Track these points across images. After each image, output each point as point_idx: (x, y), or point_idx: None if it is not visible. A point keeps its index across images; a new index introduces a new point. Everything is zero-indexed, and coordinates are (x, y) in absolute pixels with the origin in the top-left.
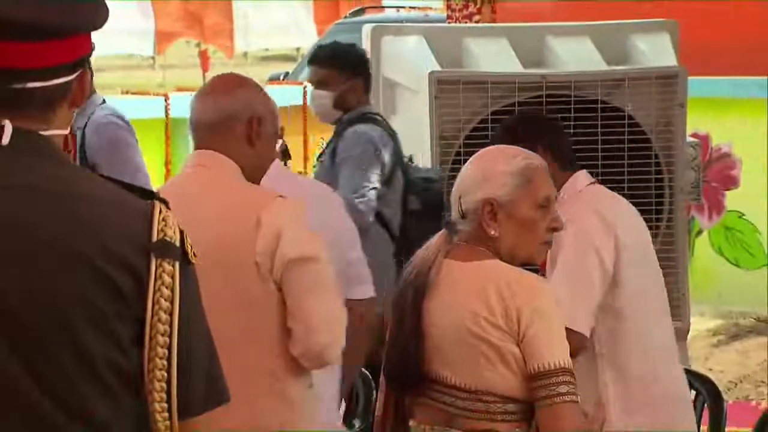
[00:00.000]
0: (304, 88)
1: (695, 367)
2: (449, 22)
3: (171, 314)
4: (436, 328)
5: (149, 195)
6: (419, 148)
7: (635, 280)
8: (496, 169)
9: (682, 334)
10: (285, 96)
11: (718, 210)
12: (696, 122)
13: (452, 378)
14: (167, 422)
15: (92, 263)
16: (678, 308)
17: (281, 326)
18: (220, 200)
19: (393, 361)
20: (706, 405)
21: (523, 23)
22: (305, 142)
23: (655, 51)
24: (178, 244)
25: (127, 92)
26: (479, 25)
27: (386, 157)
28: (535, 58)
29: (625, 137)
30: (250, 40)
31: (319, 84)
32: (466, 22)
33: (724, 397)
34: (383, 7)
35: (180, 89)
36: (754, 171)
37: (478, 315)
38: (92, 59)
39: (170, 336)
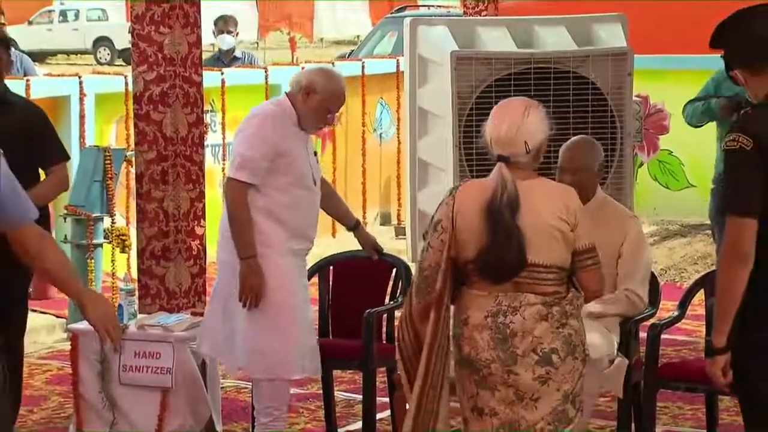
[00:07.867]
0: (362, 62)
1: None
2: (465, 16)
3: None
4: (528, 226)
5: None
6: (443, 105)
7: None
8: (540, 118)
9: None
10: (349, 69)
11: (654, 149)
12: (639, 87)
13: (535, 259)
14: None
15: None
16: None
17: None
18: None
19: (494, 256)
20: None
21: (517, 17)
22: (363, 103)
23: (611, 36)
24: None
25: (239, 66)
26: (486, 17)
27: None
28: (526, 42)
29: (590, 97)
30: (324, 29)
31: None
32: (476, 16)
33: (659, 280)
34: (419, 5)
35: (275, 64)
36: (679, 122)
37: (554, 213)
38: (220, 42)
39: None
